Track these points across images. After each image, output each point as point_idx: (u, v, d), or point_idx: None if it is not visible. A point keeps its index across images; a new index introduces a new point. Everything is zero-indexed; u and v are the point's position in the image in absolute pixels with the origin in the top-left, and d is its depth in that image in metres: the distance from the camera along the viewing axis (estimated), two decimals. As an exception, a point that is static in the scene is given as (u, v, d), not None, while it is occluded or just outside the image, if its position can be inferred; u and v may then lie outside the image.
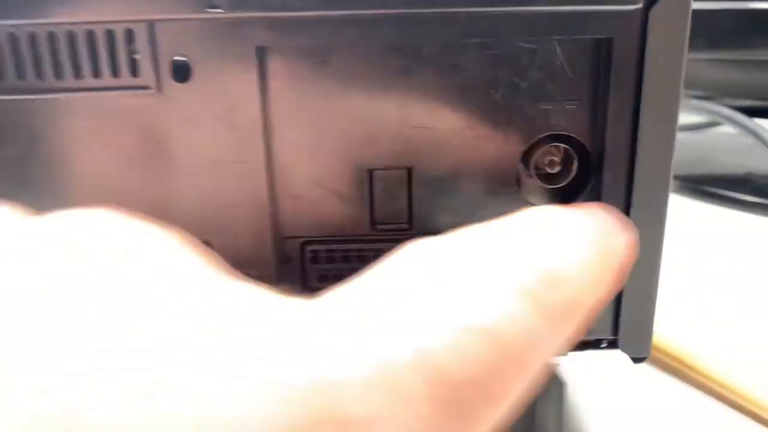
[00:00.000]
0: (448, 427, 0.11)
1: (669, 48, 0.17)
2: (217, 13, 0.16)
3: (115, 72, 0.17)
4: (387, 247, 0.19)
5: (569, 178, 0.19)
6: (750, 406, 0.27)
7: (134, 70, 0.17)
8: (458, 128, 0.18)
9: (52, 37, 0.17)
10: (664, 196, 0.18)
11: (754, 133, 0.45)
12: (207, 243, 0.16)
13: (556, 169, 0.19)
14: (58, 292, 0.10)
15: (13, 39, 0.17)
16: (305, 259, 0.19)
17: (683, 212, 0.42)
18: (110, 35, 0.17)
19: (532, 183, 0.19)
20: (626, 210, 0.18)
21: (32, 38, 0.17)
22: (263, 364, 0.10)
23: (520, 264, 0.13)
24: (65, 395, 0.09)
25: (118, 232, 0.12)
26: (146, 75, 0.17)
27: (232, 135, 0.18)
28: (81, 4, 0.17)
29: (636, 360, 0.20)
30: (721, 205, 0.43)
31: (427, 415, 0.11)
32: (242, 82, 0.17)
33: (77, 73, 0.17)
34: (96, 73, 0.17)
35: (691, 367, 0.28)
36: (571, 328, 0.14)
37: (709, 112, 0.47)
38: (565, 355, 0.14)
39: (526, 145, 0.19)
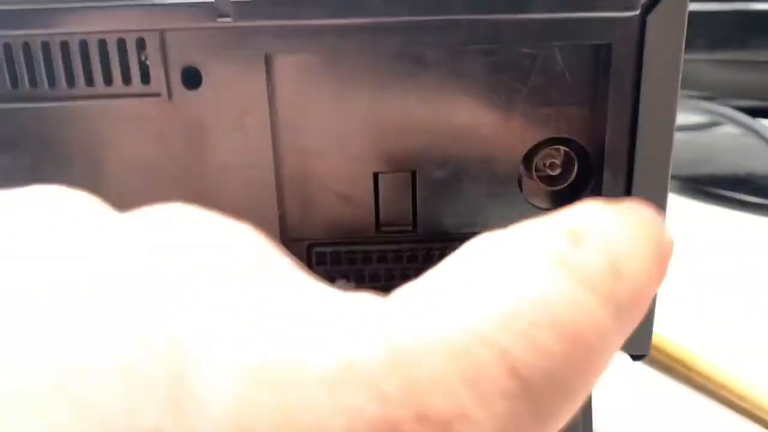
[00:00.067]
0: (529, 425, 0.11)
1: (666, 52, 0.17)
2: (227, 22, 0.17)
3: (126, 80, 0.18)
4: (392, 248, 0.20)
5: (570, 180, 0.19)
6: (748, 407, 0.27)
7: (145, 77, 0.18)
8: (461, 132, 0.19)
9: (65, 46, 0.17)
10: (663, 197, 0.19)
11: (756, 133, 0.45)
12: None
13: (557, 171, 0.19)
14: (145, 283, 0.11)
15: (26, 48, 0.17)
16: (311, 260, 0.20)
17: (684, 212, 0.42)
18: (122, 44, 0.17)
19: (534, 185, 0.19)
20: (626, 211, 0.18)
21: (46, 47, 0.17)
22: (346, 346, 0.10)
23: (586, 258, 0.13)
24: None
25: (210, 225, 0.12)
26: (157, 82, 0.18)
27: (240, 140, 0.18)
28: (93, 14, 0.17)
29: (635, 357, 0.21)
30: (722, 205, 0.43)
31: (508, 412, 0.11)
32: (251, 89, 0.18)
33: (89, 81, 0.18)
34: (108, 81, 0.18)
35: (689, 367, 0.28)
36: (636, 320, 0.14)
37: (711, 112, 0.47)
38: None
39: (528, 147, 0.19)
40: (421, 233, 0.20)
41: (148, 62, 0.18)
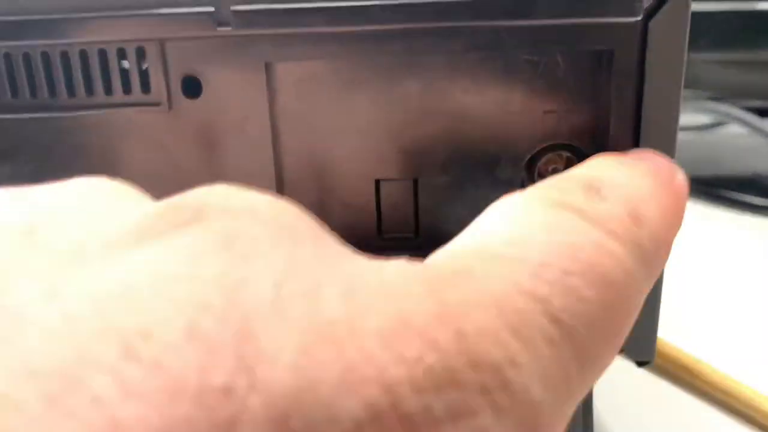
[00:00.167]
0: (573, 367, 0.12)
1: (668, 58, 0.17)
2: (227, 30, 0.17)
3: (126, 89, 0.18)
4: (394, 255, 0.20)
5: None
6: (754, 414, 0.27)
7: (146, 87, 0.18)
8: (463, 138, 0.19)
9: (65, 56, 0.17)
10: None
11: (763, 133, 0.45)
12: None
13: (560, 177, 0.19)
14: None
15: (27, 59, 0.17)
16: None
17: (689, 214, 0.42)
18: (122, 54, 0.17)
19: None
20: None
21: (46, 57, 0.17)
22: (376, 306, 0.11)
23: (605, 209, 0.14)
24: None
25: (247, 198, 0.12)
26: (157, 91, 0.18)
27: (241, 148, 0.18)
28: (93, 24, 0.17)
29: (640, 364, 0.21)
30: (727, 207, 0.43)
31: (552, 356, 0.11)
32: (251, 97, 0.18)
33: (90, 91, 0.18)
34: (108, 91, 0.18)
35: (694, 374, 0.28)
36: (661, 264, 0.15)
37: (718, 112, 0.47)
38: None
39: (530, 153, 0.19)
40: (423, 240, 0.20)
41: (148, 72, 0.18)
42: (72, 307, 0.09)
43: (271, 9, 0.17)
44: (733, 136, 0.48)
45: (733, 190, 0.43)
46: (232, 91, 0.18)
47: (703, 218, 0.42)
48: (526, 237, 0.13)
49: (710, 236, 0.40)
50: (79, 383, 0.08)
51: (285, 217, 0.12)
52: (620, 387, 0.27)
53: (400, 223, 0.19)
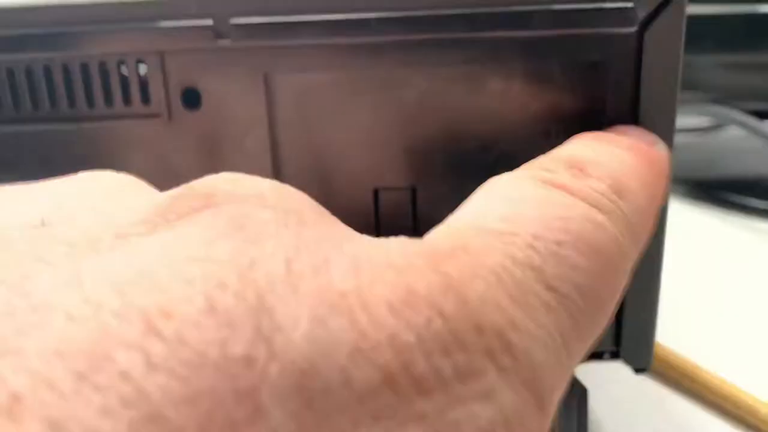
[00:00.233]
0: (571, 332, 0.12)
1: (664, 68, 0.18)
2: (226, 43, 0.17)
3: (127, 101, 0.18)
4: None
5: None
6: (755, 421, 0.27)
7: (146, 98, 0.18)
8: (461, 147, 0.19)
9: (66, 69, 0.18)
10: (663, 211, 0.19)
11: (763, 136, 0.44)
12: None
13: (557, 187, 0.19)
14: None
15: (29, 71, 0.18)
16: None
17: (689, 217, 0.42)
18: (122, 66, 0.18)
19: None
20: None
21: (48, 70, 0.18)
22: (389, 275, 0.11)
23: (589, 185, 0.15)
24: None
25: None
26: (157, 103, 0.18)
27: (241, 159, 0.18)
28: (94, 37, 0.17)
29: (638, 370, 0.21)
30: (727, 210, 0.43)
31: (551, 321, 0.12)
32: (250, 108, 0.18)
33: (90, 103, 0.18)
34: (108, 102, 0.18)
35: (694, 380, 0.28)
36: (645, 235, 0.16)
37: (718, 114, 0.47)
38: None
39: (527, 161, 0.19)
40: None
41: (148, 83, 0.18)
42: (93, 291, 0.10)
43: (270, 22, 0.17)
44: (734, 139, 0.48)
45: (733, 192, 0.43)
46: (232, 102, 0.18)
47: (703, 221, 0.42)
48: (517, 213, 0.13)
49: (710, 239, 0.40)
50: (106, 360, 0.09)
51: (290, 201, 0.12)
52: (618, 392, 0.28)
53: (399, 232, 0.20)
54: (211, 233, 0.11)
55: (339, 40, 0.17)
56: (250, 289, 0.10)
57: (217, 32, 0.17)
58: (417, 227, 0.20)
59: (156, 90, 0.18)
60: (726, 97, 0.47)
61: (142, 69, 0.18)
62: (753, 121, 0.45)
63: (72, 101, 0.18)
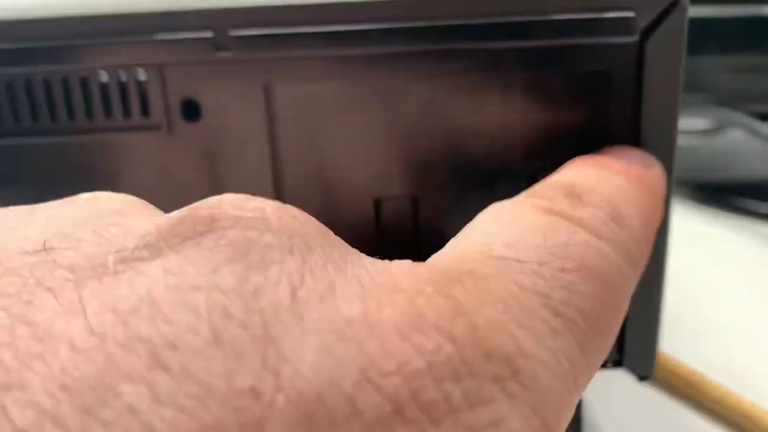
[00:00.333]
0: (578, 356, 0.12)
1: (666, 76, 0.18)
2: (226, 55, 0.17)
3: (126, 113, 0.18)
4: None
5: None
6: (756, 430, 0.27)
7: (145, 110, 0.18)
8: (464, 157, 0.19)
9: (65, 82, 0.18)
10: (666, 216, 0.19)
11: (766, 138, 0.44)
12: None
13: (559, 196, 0.19)
14: None
15: (28, 84, 0.18)
16: None
17: (693, 219, 0.42)
18: (121, 78, 0.18)
19: None
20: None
21: (47, 84, 0.18)
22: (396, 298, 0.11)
23: (588, 213, 0.15)
24: None
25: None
26: (157, 115, 0.18)
27: (241, 171, 0.18)
28: (94, 50, 0.17)
29: (641, 378, 0.21)
30: (731, 213, 0.42)
31: (558, 346, 0.12)
32: (250, 120, 0.18)
33: (90, 115, 0.18)
34: (108, 115, 0.18)
35: (697, 389, 0.28)
36: (644, 259, 0.16)
37: (722, 117, 0.47)
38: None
39: (530, 171, 0.19)
40: (424, 258, 0.20)
41: (148, 96, 0.18)
42: (97, 321, 0.10)
43: (270, 34, 0.17)
44: (737, 141, 0.48)
45: (736, 195, 0.43)
46: (232, 114, 0.18)
47: (706, 224, 0.42)
48: (521, 240, 0.14)
49: (712, 242, 0.40)
50: (112, 394, 0.09)
51: (294, 225, 0.12)
52: (620, 401, 0.27)
53: (401, 241, 0.20)
54: (215, 259, 0.11)
55: (339, 51, 0.17)
56: (256, 319, 0.10)
57: (216, 44, 0.17)
58: (419, 237, 0.20)
59: (155, 102, 0.18)
60: (730, 99, 0.47)
61: (142, 81, 0.18)
62: (756, 123, 0.45)
63: (71, 114, 0.18)
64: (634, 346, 0.20)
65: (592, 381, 0.14)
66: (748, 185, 0.45)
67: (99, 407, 0.09)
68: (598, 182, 0.16)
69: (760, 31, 0.46)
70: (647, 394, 0.28)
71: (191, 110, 0.18)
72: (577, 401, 0.13)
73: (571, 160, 0.17)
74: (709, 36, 0.45)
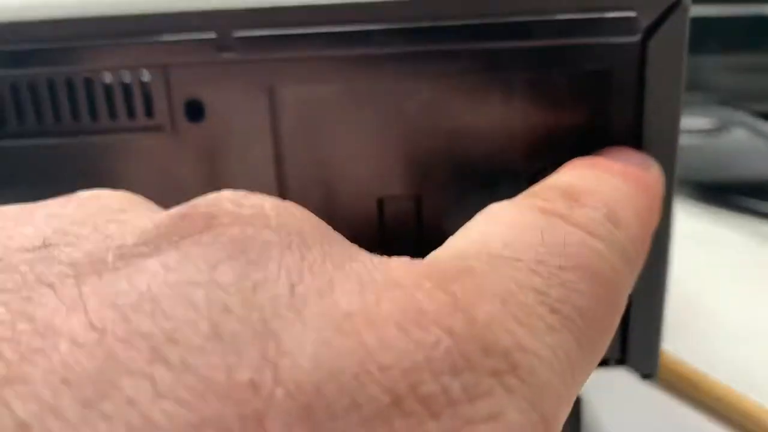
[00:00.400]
0: (576, 353, 0.13)
1: (668, 76, 0.18)
2: (230, 56, 0.17)
3: (130, 114, 0.18)
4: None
5: None
6: (758, 430, 0.26)
7: (149, 111, 0.18)
8: (466, 156, 0.19)
9: (70, 83, 0.18)
10: (669, 215, 0.19)
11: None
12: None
13: (561, 195, 0.19)
14: None
15: (32, 86, 0.18)
16: None
17: (696, 219, 0.42)
18: (125, 79, 0.18)
19: None
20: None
21: (51, 85, 0.18)
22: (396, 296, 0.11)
23: (585, 214, 0.15)
24: None
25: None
26: (161, 116, 0.18)
27: (245, 171, 0.18)
28: (97, 51, 0.17)
29: (645, 376, 0.21)
30: (734, 212, 0.42)
31: (555, 343, 0.12)
32: (254, 120, 0.18)
33: (94, 116, 0.18)
34: (112, 116, 0.18)
35: (700, 389, 0.28)
36: (640, 260, 0.16)
37: (725, 116, 0.47)
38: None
39: (532, 171, 0.19)
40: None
41: (152, 96, 0.18)
42: (98, 316, 0.10)
43: (273, 35, 0.17)
44: (739, 141, 0.48)
45: (738, 194, 0.43)
46: (236, 114, 0.18)
47: (708, 223, 0.42)
48: (519, 239, 0.14)
49: (715, 241, 0.40)
50: (112, 388, 0.09)
51: (293, 221, 0.12)
52: (622, 400, 0.27)
53: (404, 241, 0.20)
54: (215, 256, 0.11)
55: (342, 52, 0.17)
56: (255, 314, 0.10)
57: (220, 45, 0.17)
58: (421, 236, 0.20)
59: (159, 103, 0.18)
60: (732, 98, 0.47)
61: (146, 82, 0.18)
62: (759, 122, 0.45)
63: (76, 115, 0.18)
64: (638, 345, 0.20)
65: (592, 380, 0.14)
66: (751, 184, 0.45)
67: (99, 400, 0.09)
68: (596, 184, 0.16)
69: (762, 30, 0.46)
70: (648, 393, 0.28)
71: (195, 111, 0.18)
72: (575, 396, 0.13)
73: (569, 162, 0.17)
74: (711, 35, 0.45)
